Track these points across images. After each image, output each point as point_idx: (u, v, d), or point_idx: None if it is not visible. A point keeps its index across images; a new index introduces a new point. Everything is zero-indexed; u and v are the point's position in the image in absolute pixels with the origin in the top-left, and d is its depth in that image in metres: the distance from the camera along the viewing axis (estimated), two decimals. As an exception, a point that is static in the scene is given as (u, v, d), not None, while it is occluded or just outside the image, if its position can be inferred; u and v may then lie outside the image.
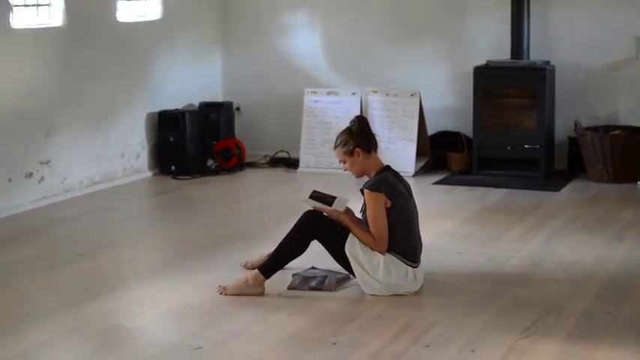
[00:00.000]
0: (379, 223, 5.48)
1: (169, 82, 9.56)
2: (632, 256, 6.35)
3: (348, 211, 5.71)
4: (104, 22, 8.72)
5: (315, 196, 5.72)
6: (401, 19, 9.65)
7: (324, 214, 5.59)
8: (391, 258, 5.50)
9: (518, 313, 5.22)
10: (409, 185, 5.71)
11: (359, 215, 5.71)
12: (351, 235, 5.52)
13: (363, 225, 5.59)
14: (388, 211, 5.49)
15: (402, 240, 5.54)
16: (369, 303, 5.43)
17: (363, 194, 5.57)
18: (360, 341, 4.85)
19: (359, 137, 5.60)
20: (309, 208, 5.67)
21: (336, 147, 5.66)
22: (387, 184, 5.53)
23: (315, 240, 5.58)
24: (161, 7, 9.47)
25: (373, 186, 5.51)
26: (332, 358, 4.67)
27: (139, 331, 5.17)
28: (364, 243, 5.50)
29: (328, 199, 5.65)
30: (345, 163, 5.65)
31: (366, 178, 5.67)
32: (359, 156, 5.59)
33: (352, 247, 5.51)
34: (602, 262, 6.14)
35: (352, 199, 5.76)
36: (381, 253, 5.49)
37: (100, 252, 6.65)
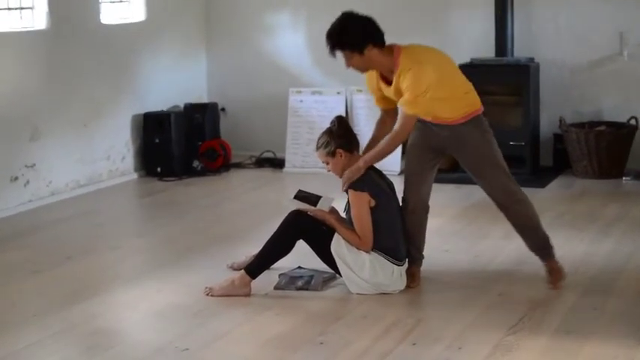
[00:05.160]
0: (363, 223, 5.48)
1: (154, 84, 9.54)
2: (619, 251, 6.37)
3: (333, 211, 5.72)
4: (88, 25, 8.70)
5: (300, 195, 5.72)
6: (384, 17, 9.57)
7: (309, 213, 5.59)
8: (376, 257, 5.50)
9: (504, 310, 5.23)
10: (392, 184, 5.71)
11: (343, 214, 5.71)
12: (336, 235, 5.52)
13: (347, 224, 5.59)
14: (372, 210, 5.49)
15: (387, 239, 5.55)
16: (356, 302, 5.43)
17: (347, 193, 5.57)
18: (347, 340, 4.86)
19: (340, 138, 5.60)
20: (294, 207, 5.67)
21: (318, 149, 5.67)
22: (371, 183, 5.53)
23: (301, 240, 5.58)
24: (145, 9, 9.45)
25: (357, 185, 5.51)
26: (319, 358, 4.67)
27: (125, 333, 5.18)
28: (349, 242, 5.50)
29: (313, 199, 5.66)
30: (327, 164, 5.65)
31: None
32: (341, 156, 5.59)
33: (338, 246, 5.51)
34: (589, 257, 6.15)
35: (337, 198, 5.76)
36: (366, 251, 5.50)
37: (86, 254, 6.63)
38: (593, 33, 8.98)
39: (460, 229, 7.01)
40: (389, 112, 5.68)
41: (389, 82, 5.51)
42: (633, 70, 8.89)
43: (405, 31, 9.49)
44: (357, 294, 5.51)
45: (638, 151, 8.75)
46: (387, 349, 4.72)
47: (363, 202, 5.48)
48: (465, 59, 8.96)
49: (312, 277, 5.72)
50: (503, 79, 8.95)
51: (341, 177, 5.69)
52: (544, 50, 9.09)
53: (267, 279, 5.65)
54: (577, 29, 9.03)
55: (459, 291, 5.62)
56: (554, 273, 5.66)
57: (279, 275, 5.75)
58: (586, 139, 8.61)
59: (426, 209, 5.78)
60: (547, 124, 9.11)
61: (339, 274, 5.57)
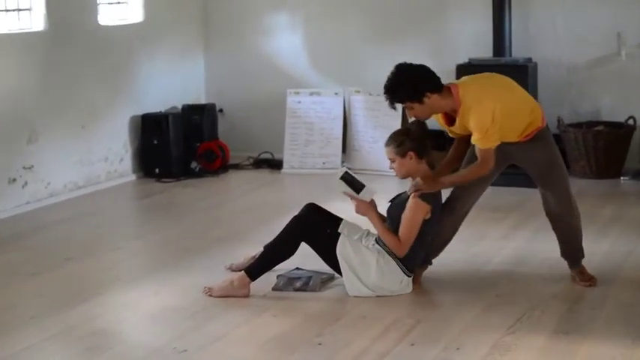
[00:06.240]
0: (413, 229, 5.47)
1: (152, 85, 9.54)
2: (616, 251, 6.38)
3: (372, 203, 5.68)
4: (86, 26, 8.69)
5: (347, 178, 5.63)
6: (383, 18, 9.66)
7: (352, 202, 5.58)
8: (388, 261, 5.49)
9: (502, 310, 5.24)
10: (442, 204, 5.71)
11: (385, 207, 5.68)
12: (342, 237, 5.51)
13: (386, 219, 5.59)
14: (423, 222, 5.50)
15: (416, 250, 5.54)
16: (354, 303, 5.43)
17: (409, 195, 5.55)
18: (345, 341, 4.86)
19: (415, 141, 5.54)
20: (341, 188, 5.62)
21: (388, 144, 5.59)
22: (436, 199, 5.55)
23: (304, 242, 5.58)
24: (142, 10, 9.45)
25: (426, 197, 5.48)
26: (318, 359, 4.67)
27: (123, 334, 5.17)
28: (385, 241, 5.49)
29: (357, 186, 5.57)
30: (393, 161, 5.60)
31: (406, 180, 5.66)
32: (411, 159, 5.54)
33: (343, 248, 5.50)
34: (586, 257, 6.11)
35: (379, 191, 5.72)
36: (399, 255, 5.48)
37: (84, 256, 6.62)
38: (591, 33, 8.98)
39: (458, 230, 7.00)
40: (463, 137, 5.66)
41: (452, 121, 5.54)
42: (631, 70, 8.89)
43: (403, 31, 9.54)
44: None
45: (636, 150, 8.76)
46: (386, 350, 4.72)
47: (423, 212, 5.47)
48: (463, 59, 8.96)
49: (310, 278, 5.72)
50: (501, 79, 8.92)
51: (402, 178, 5.66)
52: (542, 50, 9.09)
53: (266, 280, 5.64)
54: (575, 29, 9.03)
55: (458, 292, 5.62)
56: (585, 274, 5.74)
57: (277, 276, 5.75)
58: (584, 139, 8.61)
59: (467, 214, 5.84)
60: (545, 124, 9.10)
61: (341, 274, 5.56)
